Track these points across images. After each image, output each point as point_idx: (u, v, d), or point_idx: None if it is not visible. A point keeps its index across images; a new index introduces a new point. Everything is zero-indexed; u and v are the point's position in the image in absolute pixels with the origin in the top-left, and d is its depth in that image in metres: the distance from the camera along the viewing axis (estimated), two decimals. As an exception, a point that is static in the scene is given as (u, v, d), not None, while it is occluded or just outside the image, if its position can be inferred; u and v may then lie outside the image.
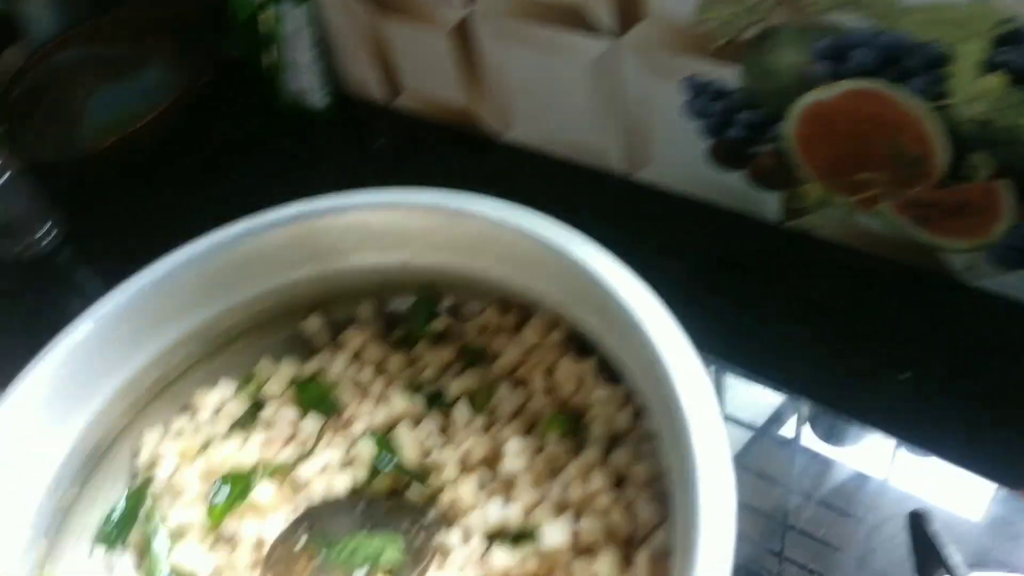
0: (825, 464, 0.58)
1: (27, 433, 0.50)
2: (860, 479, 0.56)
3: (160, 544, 0.52)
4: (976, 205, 0.65)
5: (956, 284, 0.69)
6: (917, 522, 0.47)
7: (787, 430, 0.62)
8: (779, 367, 0.66)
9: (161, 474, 0.55)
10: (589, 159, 0.86)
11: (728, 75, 0.70)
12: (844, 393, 0.63)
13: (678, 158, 0.79)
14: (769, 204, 0.76)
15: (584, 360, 0.52)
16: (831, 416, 0.61)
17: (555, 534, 0.46)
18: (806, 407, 0.62)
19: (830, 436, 0.61)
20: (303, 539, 0.50)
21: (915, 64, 0.60)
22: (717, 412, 0.39)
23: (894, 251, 0.71)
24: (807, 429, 0.62)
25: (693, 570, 0.35)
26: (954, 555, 0.45)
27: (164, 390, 0.58)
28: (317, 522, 0.51)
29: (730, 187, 0.78)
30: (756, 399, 0.64)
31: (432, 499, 0.53)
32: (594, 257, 0.45)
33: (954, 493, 0.54)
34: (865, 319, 0.69)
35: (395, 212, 0.52)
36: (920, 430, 0.59)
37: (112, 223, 0.93)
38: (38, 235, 0.92)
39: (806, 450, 0.59)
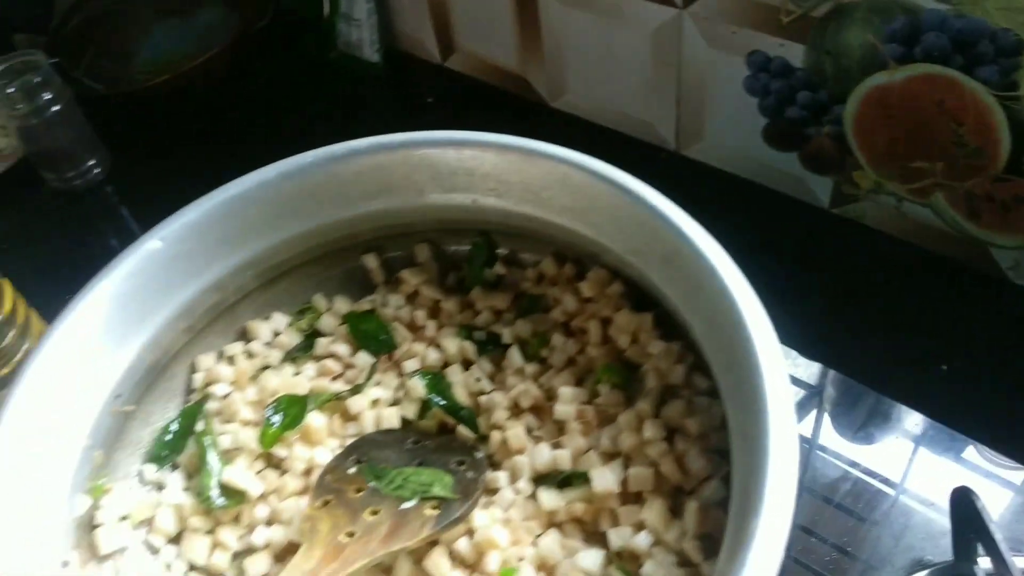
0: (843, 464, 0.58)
1: (90, 345, 0.51)
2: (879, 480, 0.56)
3: (212, 463, 0.53)
4: (1032, 201, 0.65)
5: (1002, 281, 0.69)
6: (961, 499, 0.48)
7: (805, 427, 0.62)
8: (820, 348, 0.66)
9: (215, 397, 0.56)
10: (638, 132, 0.86)
11: (793, 53, 0.70)
12: (883, 377, 0.64)
13: (731, 136, 0.80)
14: (819, 189, 0.77)
15: (642, 314, 0.52)
16: (858, 402, 0.62)
17: (605, 479, 0.47)
18: (827, 403, 0.62)
19: (852, 434, 0.61)
20: (353, 469, 0.51)
21: (988, 52, 0.60)
22: (783, 364, 0.39)
23: (942, 244, 0.71)
24: (827, 425, 0.62)
25: (757, 517, 0.35)
26: (998, 531, 0.46)
27: (219, 316, 0.59)
28: (367, 454, 0.52)
29: (781, 169, 0.78)
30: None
31: (480, 441, 0.54)
32: (667, 206, 0.46)
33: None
34: (908, 309, 0.70)
35: (468, 151, 0.52)
36: (957, 416, 0.60)
37: (158, 159, 0.94)
38: (86, 166, 0.93)
39: (824, 448, 0.59)
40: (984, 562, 0.48)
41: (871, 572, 0.52)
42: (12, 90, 0.84)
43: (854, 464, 0.58)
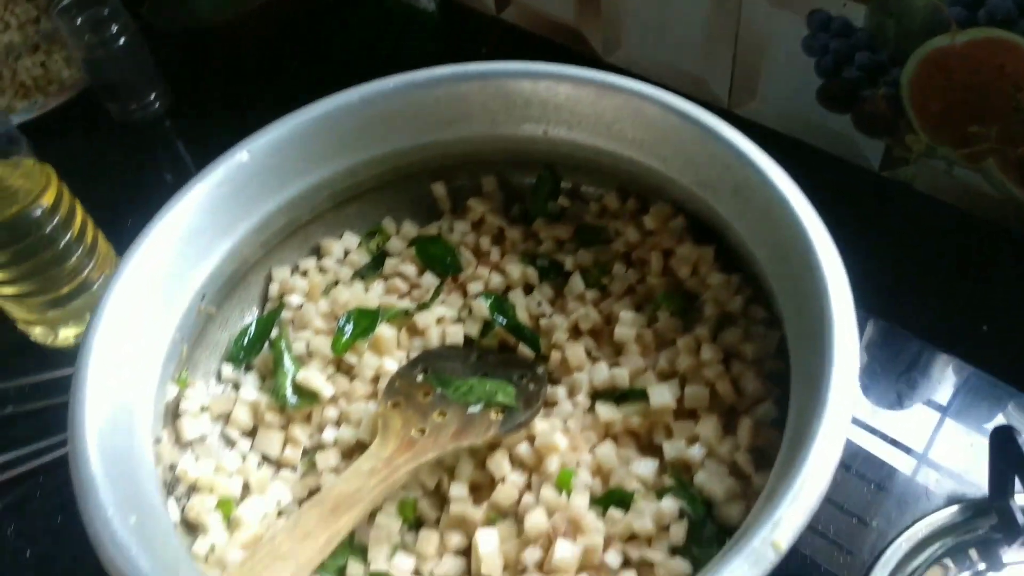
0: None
1: (180, 246, 0.54)
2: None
3: (287, 365, 0.56)
4: (1083, 169, 0.66)
5: (1047, 250, 0.71)
6: (1002, 436, 0.50)
7: None
8: (862, 304, 0.68)
9: (290, 305, 0.59)
10: (691, 89, 0.88)
11: (855, 13, 0.71)
12: (925, 332, 0.66)
13: (785, 95, 0.81)
14: (870, 151, 0.78)
15: (703, 247, 0.55)
16: (890, 370, 0.63)
17: (662, 395, 0.50)
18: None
19: (896, 380, 0.63)
20: (420, 377, 0.54)
21: (1053, 16, 0.61)
22: (849, 291, 0.42)
23: (990, 209, 0.73)
24: (864, 387, 0.63)
25: (816, 428, 0.38)
26: (1036, 465, 0.48)
27: (294, 233, 0.62)
28: (433, 365, 0.55)
29: (833, 130, 0.79)
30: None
31: (540, 359, 0.56)
32: (740, 139, 0.48)
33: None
34: (952, 272, 0.71)
35: (544, 82, 0.55)
36: (997, 366, 0.62)
37: (217, 97, 0.97)
38: (148, 100, 0.95)
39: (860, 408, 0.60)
40: (1020, 499, 0.51)
41: (909, 502, 0.55)
42: (80, 21, 0.86)
43: (887, 423, 0.60)
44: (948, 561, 0.52)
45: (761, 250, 0.48)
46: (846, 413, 0.38)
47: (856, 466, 0.57)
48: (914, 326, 0.67)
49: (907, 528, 0.53)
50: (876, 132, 0.77)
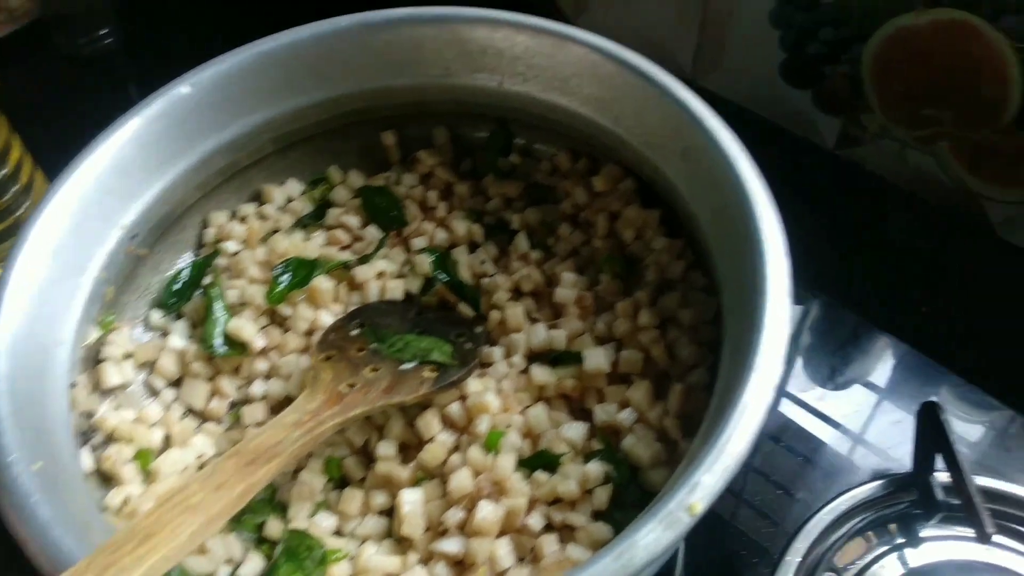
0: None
1: (112, 179, 0.52)
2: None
3: (218, 313, 0.55)
4: (1033, 157, 0.67)
5: (990, 236, 0.71)
6: (928, 412, 0.51)
7: None
8: (805, 279, 0.68)
9: (226, 252, 0.57)
10: (656, 57, 0.86)
11: (823, -15, 0.70)
12: (865, 310, 0.66)
13: (749, 68, 0.80)
14: (826, 129, 0.78)
15: (650, 210, 0.54)
16: (830, 350, 0.63)
17: (597, 358, 0.49)
18: (801, 350, 0.64)
19: (832, 355, 0.63)
20: (356, 331, 0.53)
21: (1014, 1, 0.61)
22: (786, 255, 0.41)
23: (938, 193, 0.73)
24: (801, 360, 0.63)
25: (739, 397, 0.37)
26: (958, 444, 0.49)
27: (235, 176, 0.60)
28: (370, 319, 0.54)
29: (792, 106, 0.79)
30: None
31: (480, 318, 0.56)
32: (692, 100, 0.47)
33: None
34: (896, 253, 0.72)
35: (502, 30, 0.53)
36: (931, 346, 0.62)
37: (174, 33, 0.93)
38: (100, 34, 0.92)
39: (792, 396, 0.60)
40: (941, 476, 0.52)
41: (834, 476, 0.55)
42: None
43: (821, 396, 0.60)
44: (869, 534, 0.53)
45: (704, 214, 0.47)
46: (771, 381, 0.37)
47: (786, 439, 0.58)
48: (855, 304, 0.67)
49: (831, 501, 0.54)
50: (834, 109, 0.77)
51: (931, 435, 0.51)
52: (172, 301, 0.57)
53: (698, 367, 0.48)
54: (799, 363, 0.64)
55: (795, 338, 0.65)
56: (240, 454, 0.42)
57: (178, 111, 0.53)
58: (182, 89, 0.53)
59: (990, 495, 0.52)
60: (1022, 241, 0.70)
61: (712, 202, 0.46)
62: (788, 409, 0.59)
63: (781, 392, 0.61)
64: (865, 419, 0.59)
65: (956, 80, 0.67)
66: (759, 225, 0.41)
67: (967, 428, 0.59)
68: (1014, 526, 0.52)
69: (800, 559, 0.51)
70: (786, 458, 0.56)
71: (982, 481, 0.52)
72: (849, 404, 0.60)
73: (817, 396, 0.61)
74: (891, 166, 0.75)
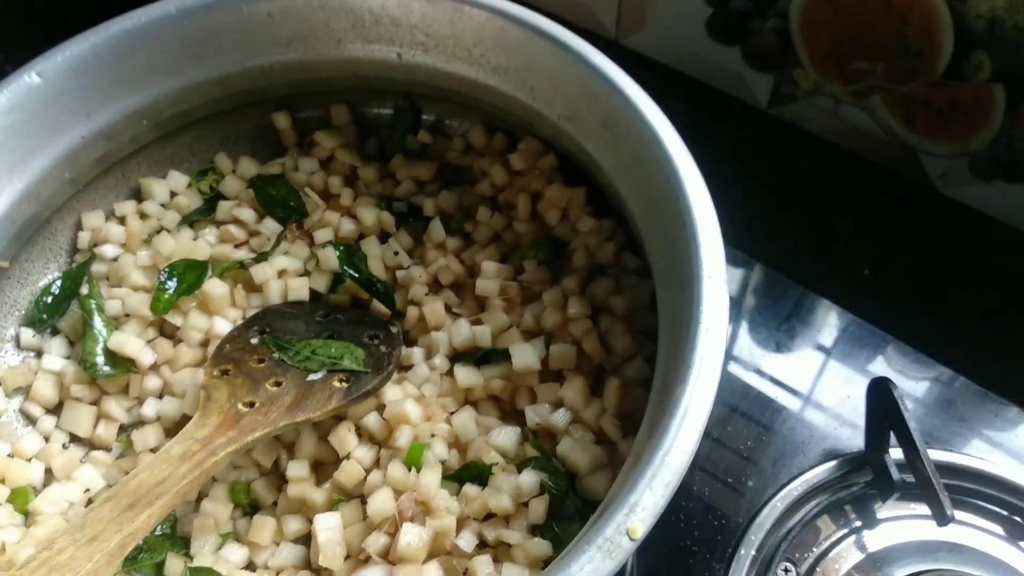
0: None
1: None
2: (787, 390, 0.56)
3: (98, 328, 0.48)
4: (966, 108, 0.64)
5: (929, 190, 0.69)
6: (879, 389, 0.48)
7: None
8: (746, 245, 0.65)
9: (104, 257, 0.51)
10: (576, 17, 0.82)
11: (746, -65, 0.66)
12: (808, 276, 0.64)
13: (673, 26, 0.76)
14: (758, 88, 0.74)
15: (574, 188, 0.49)
16: (775, 314, 0.61)
17: (525, 356, 0.45)
18: (746, 313, 0.61)
19: (777, 328, 0.60)
20: (256, 339, 0.47)
21: (944, -55, 0.58)
22: (720, 238, 0.37)
23: (875, 150, 0.71)
24: (745, 332, 0.61)
25: (679, 395, 0.33)
26: (912, 420, 0.46)
27: (110, 170, 0.53)
28: (271, 324, 0.48)
29: (721, 65, 0.75)
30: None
31: (396, 317, 0.50)
32: (609, 67, 0.42)
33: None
34: (836, 213, 0.69)
35: (396, -5, 0.47)
36: (875, 316, 0.60)
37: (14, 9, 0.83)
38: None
39: (739, 359, 0.58)
40: (895, 452, 0.49)
41: (785, 460, 0.52)
42: None
43: (769, 367, 0.58)
44: (826, 518, 0.50)
45: (631, 193, 0.43)
46: (711, 381, 0.33)
47: (738, 414, 0.54)
48: (796, 271, 0.64)
49: (783, 487, 0.50)
50: (765, 66, 0.73)
51: (883, 412, 0.48)
52: (44, 317, 0.50)
53: (635, 358, 0.44)
54: (743, 327, 0.61)
55: (738, 302, 0.62)
56: (117, 498, 0.37)
57: (30, 103, 0.46)
58: (30, 79, 0.46)
59: (944, 469, 0.49)
60: (960, 195, 0.68)
61: (638, 178, 0.41)
62: (732, 391, 0.56)
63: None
64: (814, 391, 0.56)
65: (884, 32, 0.64)
66: (689, 204, 0.37)
67: (915, 389, 0.56)
68: (971, 500, 0.50)
69: (755, 552, 0.48)
70: (741, 431, 0.53)
71: (935, 455, 0.50)
72: (798, 377, 0.57)
73: (766, 367, 0.57)
74: (826, 123, 0.72)
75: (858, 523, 0.50)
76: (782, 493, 0.50)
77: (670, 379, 0.35)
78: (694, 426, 0.32)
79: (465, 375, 0.46)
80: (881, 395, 0.48)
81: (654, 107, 0.41)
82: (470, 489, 0.42)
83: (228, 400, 0.43)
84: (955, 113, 0.65)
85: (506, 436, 0.43)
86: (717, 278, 0.36)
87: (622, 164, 0.43)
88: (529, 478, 0.41)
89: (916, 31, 0.63)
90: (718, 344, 0.34)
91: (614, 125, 0.42)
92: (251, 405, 0.43)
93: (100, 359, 0.48)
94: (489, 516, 0.41)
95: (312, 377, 0.45)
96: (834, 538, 0.49)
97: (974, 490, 0.50)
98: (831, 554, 0.49)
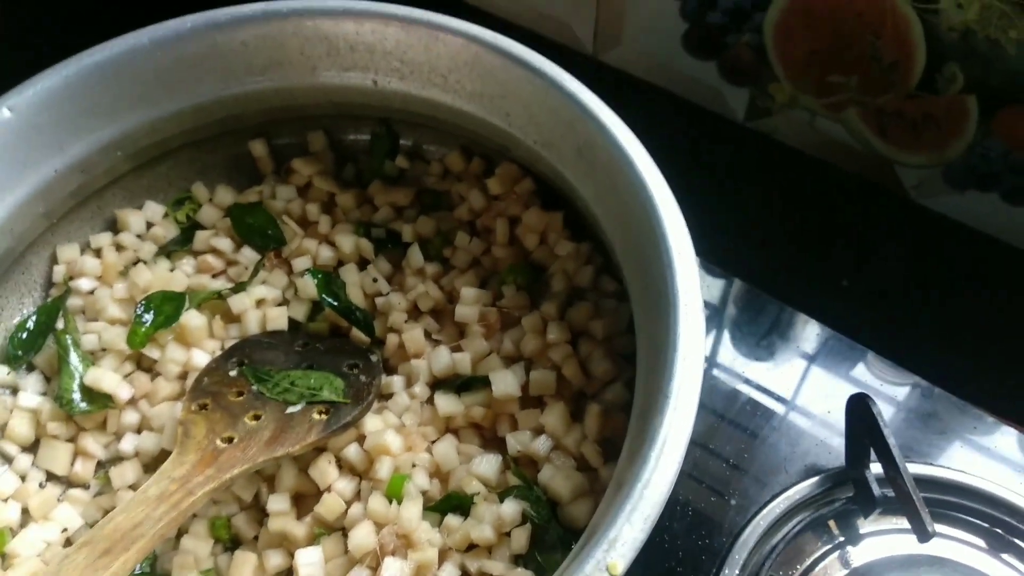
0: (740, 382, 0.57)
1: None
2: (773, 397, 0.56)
3: (74, 364, 0.48)
4: (940, 119, 0.65)
5: (905, 200, 0.70)
6: (858, 404, 0.48)
7: (707, 343, 0.61)
8: (725, 259, 0.65)
9: (80, 290, 0.50)
10: (555, 33, 0.82)
11: (719, -48, 0.66)
12: (786, 290, 0.64)
13: (650, 42, 0.76)
14: (735, 101, 0.75)
15: (552, 213, 0.49)
16: (758, 321, 0.61)
17: (506, 382, 0.45)
18: (728, 322, 0.61)
19: (750, 352, 0.61)
20: (234, 371, 0.47)
21: (914, -40, 0.58)
22: (696, 264, 0.37)
23: (850, 161, 0.71)
24: (727, 343, 0.61)
25: (658, 421, 0.34)
26: (892, 436, 0.46)
27: (85, 202, 0.52)
28: (249, 356, 0.48)
29: (698, 79, 0.76)
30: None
31: (376, 344, 0.50)
32: (584, 93, 0.42)
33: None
34: (814, 225, 0.70)
35: (369, 23, 0.47)
36: (854, 328, 0.60)
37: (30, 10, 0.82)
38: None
39: (723, 366, 0.58)
40: (875, 467, 0.49)
41: (767, 477, 0.52)
42: None
43: (755, 372, 0.58)
44: (809, 535, 0.51)
45: (607, 219, 0.43)
46: (689, 409, 0.34)
47: (713, 445, 0.54)
48: (775, 284, 0.64)
49: (766, 504, 0.51)
50: (740, 80, 0.74)
51: (862, 428, 0.48)
52: (19, 353, 0.49)
53: (615, 382, 0.44)
54: (725, 342, 0.61)
55: (719, 313, 0.62)
56: (92, 543, 0.36)
57: (1, 138, 0.46)
58: (0, 113, 0.45)
59: (925, 483, 0.50)
60: (935, 204, 0.69)
61: (613, 205, 0.42)
62: (706, 419, 0.56)
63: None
64: (789, 421, 0.56)
65: (857, 46, 0.64)
66: (664, 230, 0.37)
67: (895, 402, 0.56)
68: (952, 513, 0.50)
69: (739, 572, 0.48)
70: (715, 465, 0.53)
71: (916, 468, 0.50)
72: (772, 403, 0.57)
73: (737, 401, 0.57)
74: (802, 135, 0.73)
75: (841, 539, 0.50)
76: (765, 511, 0.50)
77: (648, 408, 0.35)
78: (673, 457, 0.32)
79: (446, 403, 0.46)
80: (860, 411, 0.48)
81: (629, 133, 0.41)
82: (452, 520, 0.41)
83: (206, 436, 0.42)
84: (929, 124, 0.66)
85: (487, 465, 0.43)
86: (693, 305, 0.36)
87: (598, 190, 0.43)
88: (511, 508, 0.41)
89: (889, 44, 0.63)
90: (695, 372, 0.34)
91: (589, 151, 0.42)
92: (229, 440, 0.43)
93: (76, 395, 0.47)
94: (472, 547, 0.41)
95: (291, 410, 0.45)
96: (818, 554, 0.50)
97: (955, 503, 0.50)
98: (815, 570, 0.49)
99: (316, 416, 0.44)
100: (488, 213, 0.51)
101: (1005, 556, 0.49)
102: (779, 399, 0.57)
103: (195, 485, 0.39)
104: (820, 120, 0.71)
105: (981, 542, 0.49)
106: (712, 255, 0.65)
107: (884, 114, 0.67)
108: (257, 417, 0.44)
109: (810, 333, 0.60)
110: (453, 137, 0.53)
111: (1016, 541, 0.49)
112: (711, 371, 0.59)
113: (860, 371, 0.58)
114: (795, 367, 0.59)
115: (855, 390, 0.55)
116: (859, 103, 0.68)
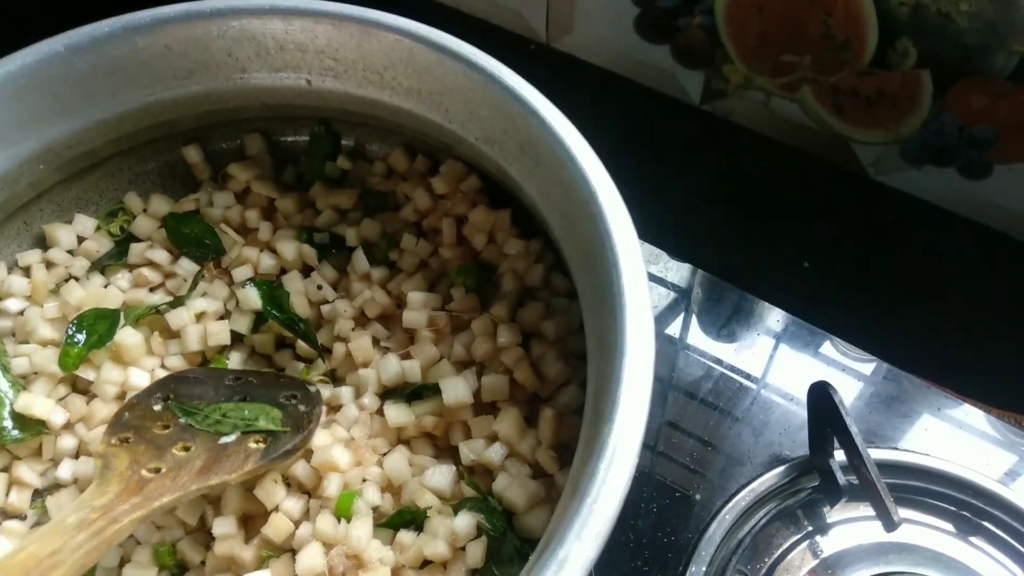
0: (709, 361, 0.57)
1: None
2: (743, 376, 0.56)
3: (3, 390, 0.45)
4: (894, 95, 0.64)
5: (863, 178, 0.69)
6: (819, 393, 0.47)
7: (673, 328, 0.60)
8: (686, 244, 0.64)
9: (8, 312, 0.48)
10: (506, 22, 0.80)
11: (666, -68, 0.65)
12: (748, 275, 0.63)
13: (603, 27, 0.75)
14: (690, 85, 0.74)
15: (499, 211, 0.47)
16: (723, 302, 0.60)
17: (457, 390, 0.43)
18: (695, 304, 0.61)
19: (716, 333, 0.60)
20: (159, 406, 0.44)
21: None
22: (641, 261, 0.36)
23: (807, 141, 0.70)
24: (694, 325, 0.60)
25: (610, 423, 0.32)
26: (854, 425, 0.45)
27: (10, 218, 0.50)
28: (175, 391, 0.45)
29: (652, 63, 0.74)
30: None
31: (323, 354, 0.48)
32: (523, 87, 0.40)
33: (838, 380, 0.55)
34: (774, 207, 0.69)
35: (298, 21, 0.45)
36: (816, 311, 0.60)
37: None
38: None
39: (691, 348, 0.57)
40: (839, 455, 0.48)
41: (732, 468, 0.51)
42: None
43: (718, 362, 0.57)
44: (777, 525, 0.50)
45: (552, 215, 0.41)
46: (638, 418, 0.32)
47: (685, 425, 0.53)
48: (736, 268, 0.63)
49: (732, 497, 0.50)
50: (694, 63, 0.73)
51: (824, 416, 0.47)
52: (-55, 382, 0.47)
53: (569, 384, 0.43)
54: (687, 331, 0.60)
55: (687, 292, 0.61)
56: (3, 572, 0.34)
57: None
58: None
59: (890, 468, 0.49)
60: (893, 181, 0.68)
61: (558, 202, 0.40)
62: (678, 399, 0.55)
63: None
64: (758, 400, 0.56)
65: (809, 25, 0.63)
66: (608, 228, 0.35)
67: (857, 386, 0.56)
68: (919, 497, 0.49)
69: (706, 568, 0.47)
70: (686, 444, 0.52)
71: (880, 454, 0.49)
72: (741, 382, 0.56)
73: (706, 382, 0.56)
74: (758, 116, 0.72)
75: (809, 528, 0.49)
76: (730, 504, 0.49)
77: (598, 415, 0.34)
78: (623, 468, 0.31)
79: (396, 414, 0.44)
80: (822, 399, 0.47)
81: (571, 128, 0.39)
82: (405, 536, 0.40)
83: (130, 467, 0.40)
84: (883, 101, 0.65)
85: (440, 476, 0.42)
86: (641, 306, 0.34)
87: (542, 186, 0.42)
88: (465, 521, 0.39)
89: (840, 22, 0.62)
90: (644, 378, 0.33)
91: (531, 147, 0.40)
92: (157, 471, 0.40)
93: (8, 423, 0.45)
94: (426, 563, 0.40)
95: (224, 440, 0.42)
96: (786, 545, 0.49)
97: (922, 488, 0.49)
98: (784, 562, 0.48)
99: (252, 445, 0.42)
100: (434, 213, 0.49)
101: (974, 539, 0.48)
102: (741, 390, 0.56)
103: (120, 513, 0.37)
104: (775, 100, 0.70)
105: (950, 526, 0.49)
106: (671, 239, 0.64)
107: (839, 92, 0.66)
108: (186, 448, 0.42)
109: (771, 319, 0.60)
110: (395, 135, 0.51)
111: (984, 524, 0.48)
112: (680, 353, 0.58)
113: (823, 356, 0.58)
114: (758, 354, 0.58)
115: (820, 369, 0.54)
116: (813, 82, 0.67)
